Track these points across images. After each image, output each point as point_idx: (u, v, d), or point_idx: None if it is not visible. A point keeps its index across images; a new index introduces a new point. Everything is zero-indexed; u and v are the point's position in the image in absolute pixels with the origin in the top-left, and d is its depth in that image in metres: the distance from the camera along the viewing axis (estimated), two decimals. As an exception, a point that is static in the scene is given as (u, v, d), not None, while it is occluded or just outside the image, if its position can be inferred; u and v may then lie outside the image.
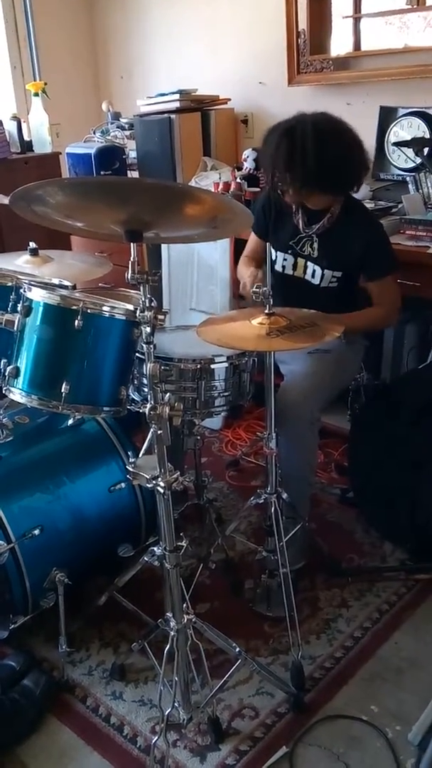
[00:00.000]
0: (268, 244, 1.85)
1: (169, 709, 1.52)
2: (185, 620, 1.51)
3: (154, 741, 1.56)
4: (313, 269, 2.17)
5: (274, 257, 2.21)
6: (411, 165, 2.66)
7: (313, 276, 2.17)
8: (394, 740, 1.59)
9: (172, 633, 1.50)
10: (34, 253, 2.11)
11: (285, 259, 2.20)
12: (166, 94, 3.18)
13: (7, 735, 1.61)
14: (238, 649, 1.66)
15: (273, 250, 2.20)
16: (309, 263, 2.17)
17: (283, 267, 2.21)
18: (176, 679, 1.53)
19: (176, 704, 1.55)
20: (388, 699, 1.69)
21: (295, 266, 2.20)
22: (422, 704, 1.56)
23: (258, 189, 2.91)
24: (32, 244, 2.12)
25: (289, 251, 2.19)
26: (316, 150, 1.91)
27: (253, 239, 2.37)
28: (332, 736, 1.61)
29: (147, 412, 1.34)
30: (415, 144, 2.53)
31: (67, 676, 1.79)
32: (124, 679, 1.79)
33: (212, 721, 1.61)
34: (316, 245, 2.15)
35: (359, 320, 2.12)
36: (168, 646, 1.51)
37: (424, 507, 2.08)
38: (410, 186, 2.58)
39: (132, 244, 1.45)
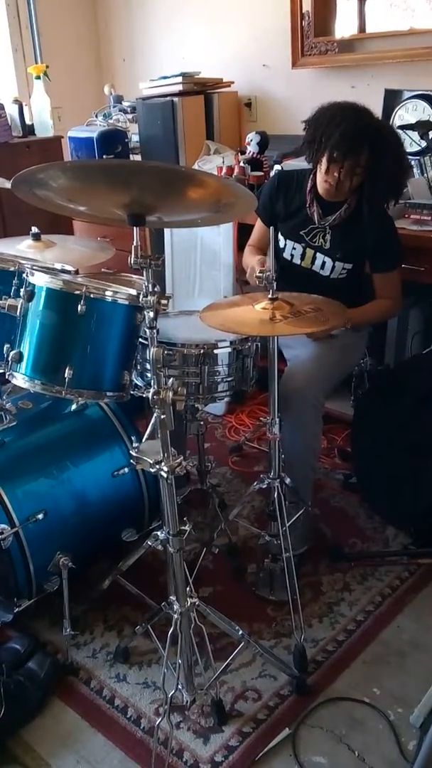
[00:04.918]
0: (271, 228, 1.83)
1: (173, 692, 1.53)
2: (189, 603, 1.52)
3: (157, 723, 1.57)
4: (323, 260, 2.15)
5: (282, 245, 2.19)
6: (416, 148, 2.62)
7: (322, 267, 2.16)
8: (396, 722, 1.60)
9: (175, 616, 1.51)
10: (36, 237, 2.10)
11: (294, 248, 2.19)
12: (169, 77, 3.15)
13: (12, 717, 1.62)
14: (241, 632, 1.67)
15: (282, 238, 2.19)
16: (319, 254, 2.15)
17: (292, 256, 2.20)
18: (179, 661, 1.53)
19: (180, 686, 1.56)
20: (390, 682, 1.71)
21: (303, 256, 2.18)
22: (424, 687, 1.57)
23: (261, 173, 2.89)
24: (34, 229, 2.11)
25: (300, 241, 2.17)
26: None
27: (259, 227, 2.34)
28: (334, 718, 1.63)
29: (150, 397, 1.34)
30: (420, 127, 2.50)
31: (71, 658, 1.81)
32: (128, 661, 1.81)
33: (215, 703, 1.63)
34: (328, 237, 2.13)
35: (369, 314, 2.15)
36: (171, 629, 1.51)
37: (426, 492, 2.08)
38: (415, 170, 2.55)
39: (135, 228, 1.44)
